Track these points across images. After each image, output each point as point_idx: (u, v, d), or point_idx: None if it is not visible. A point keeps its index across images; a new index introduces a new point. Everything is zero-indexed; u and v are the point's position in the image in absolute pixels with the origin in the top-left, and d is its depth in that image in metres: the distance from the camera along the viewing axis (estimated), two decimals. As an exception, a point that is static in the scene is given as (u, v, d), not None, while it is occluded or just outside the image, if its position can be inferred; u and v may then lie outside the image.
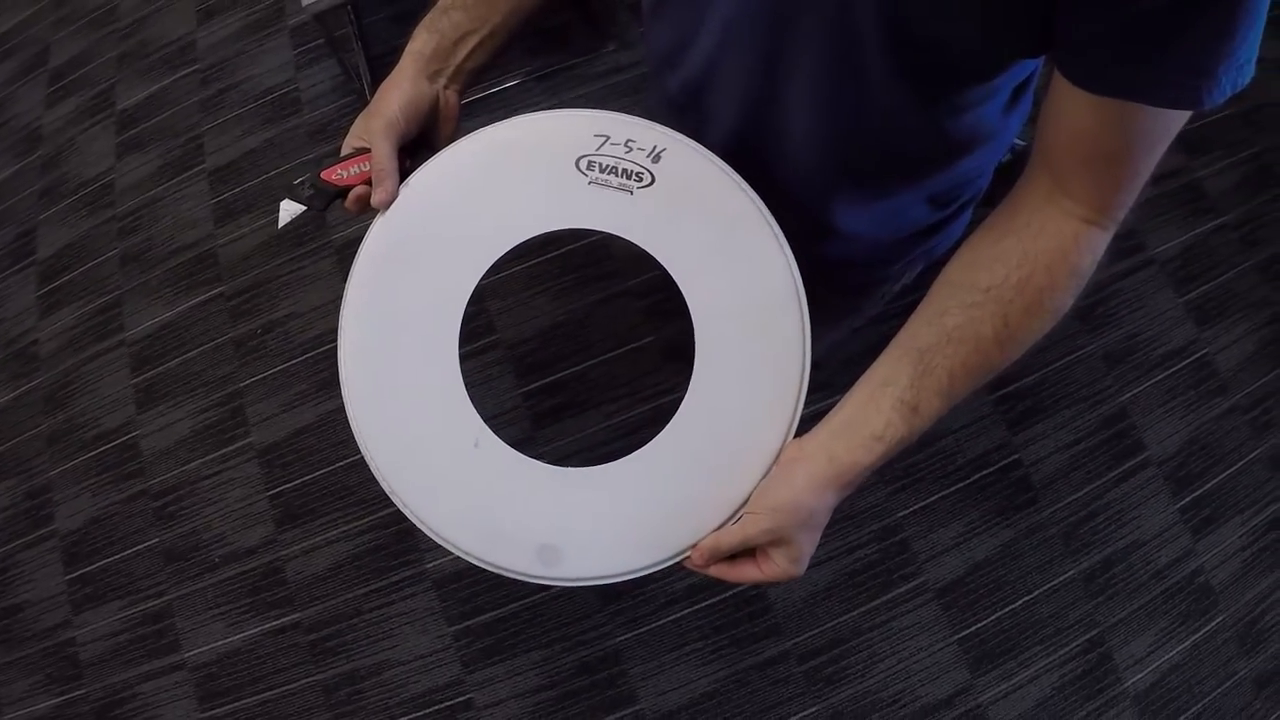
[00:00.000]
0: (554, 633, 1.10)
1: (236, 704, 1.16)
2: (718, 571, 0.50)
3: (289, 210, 0.54)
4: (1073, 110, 0.44)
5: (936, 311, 0.49)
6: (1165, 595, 1.20)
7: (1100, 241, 0.48)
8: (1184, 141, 1.48)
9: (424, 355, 0.52)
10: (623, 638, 1.09)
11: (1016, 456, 1.21)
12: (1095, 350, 1.27)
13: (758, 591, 1.10)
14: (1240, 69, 0.41)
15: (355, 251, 0.60)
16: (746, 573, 0.49)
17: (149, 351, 1.28)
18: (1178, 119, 0.43)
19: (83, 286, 1.35)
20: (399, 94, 0.54)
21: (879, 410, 0.48)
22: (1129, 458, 1.24)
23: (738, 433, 0.51)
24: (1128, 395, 1.26)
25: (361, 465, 1.31)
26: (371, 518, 1.15)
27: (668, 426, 0.52)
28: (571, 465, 0.51)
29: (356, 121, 0.54)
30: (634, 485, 0.51)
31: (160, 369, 1.27)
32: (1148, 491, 1.24)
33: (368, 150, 0.53)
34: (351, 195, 0.53)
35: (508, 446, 0.51)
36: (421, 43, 0.56)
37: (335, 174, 0.52)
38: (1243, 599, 1.21)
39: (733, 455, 0.50)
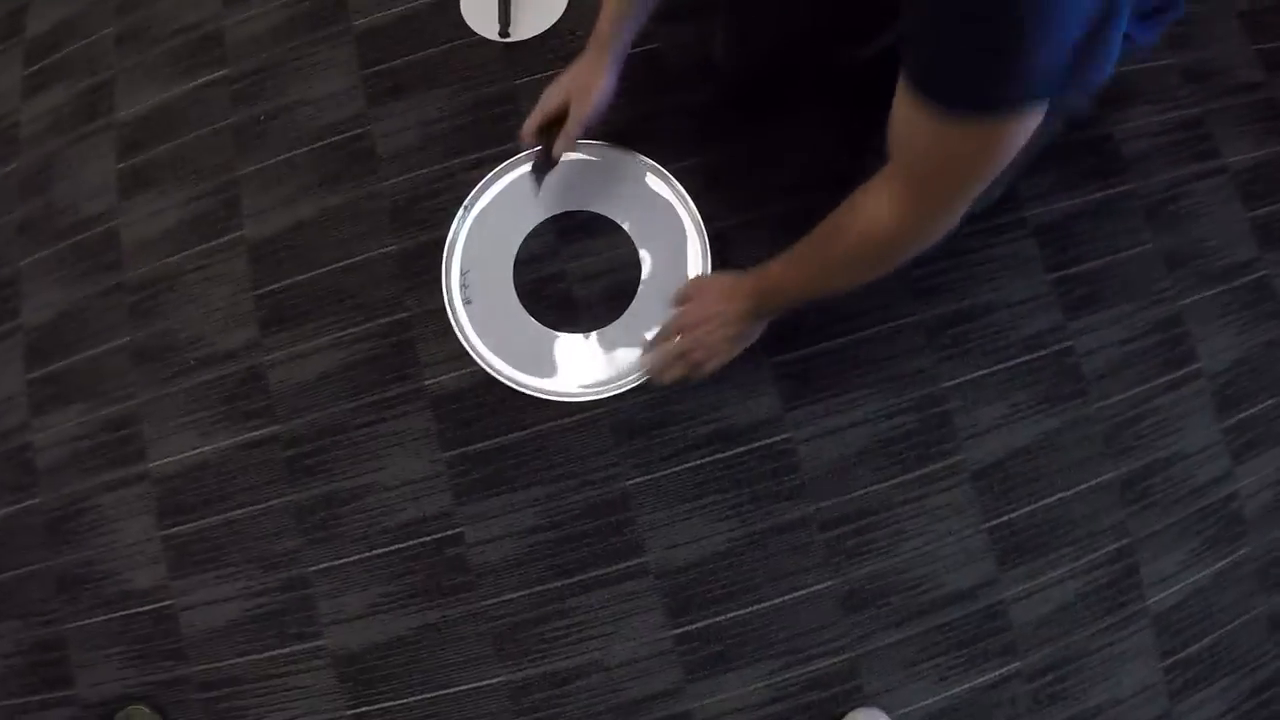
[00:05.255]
0: (560, 468, 0.91)
1: (200, 522, 0.96)
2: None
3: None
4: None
5: None
6: (1199, 515, 1.05)
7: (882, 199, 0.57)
8: (1267, 57, 1.32)
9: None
10: (634, 480, 0.91)
11: (1070, 344, 1.04)
12: (1159, 249, 1.10)
13: (786, 446, 0.92)
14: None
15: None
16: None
17: (139, 135, 1.05)
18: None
19: (73, 65, 1.11)
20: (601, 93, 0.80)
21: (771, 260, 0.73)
22: (1181, 366, 1.07)
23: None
24: (1187, 301, 1.08)
25: (362, 268, 1.09)
26: (369, 324, 0.95)
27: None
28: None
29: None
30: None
31: (150, 154, 1.04)
32: (1195, 404, 1.07)
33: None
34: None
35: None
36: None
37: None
38: (1270, 534, 1.06)
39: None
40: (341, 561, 0.93)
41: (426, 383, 0.93)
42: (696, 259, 0.94)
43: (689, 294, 0.82)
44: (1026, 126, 0.43)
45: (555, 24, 1.02)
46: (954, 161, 0.47)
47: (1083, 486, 1.00)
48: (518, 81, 0.99)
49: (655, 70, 1.00)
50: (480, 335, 0.93)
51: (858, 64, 0.97)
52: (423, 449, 0.92)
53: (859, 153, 0.79)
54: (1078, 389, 1.02)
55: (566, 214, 0.96)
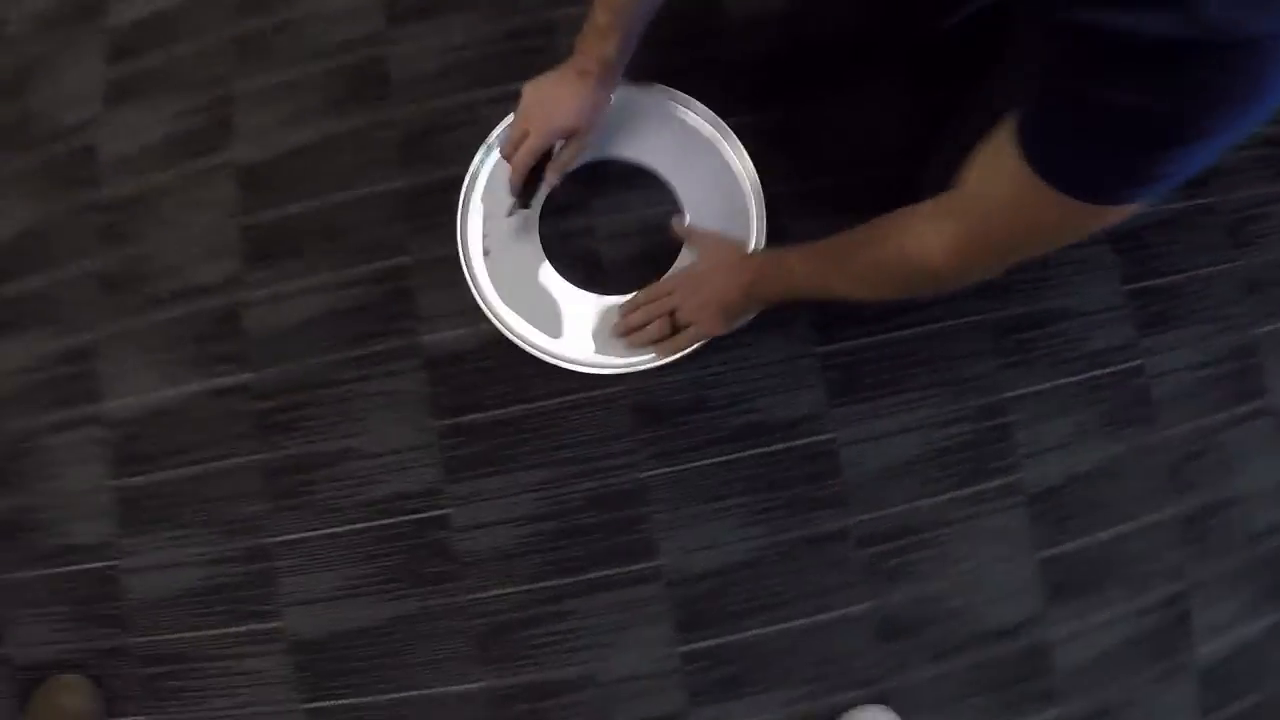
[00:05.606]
0: (568, 451, 0.70)
1: (155, 476, 0.75)
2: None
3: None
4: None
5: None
6: (1257, 564, 0.84)
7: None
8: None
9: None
10: (653, 472, 0.70)
11: (1141, 362, 0.84)
12: (1238, 270, 0.91)
13: (829, 448, 0.71)
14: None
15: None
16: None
17: (132, 41, 0.83)
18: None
19: None
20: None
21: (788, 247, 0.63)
22: (1250, 399, 0.89)
23: None
24: (1262, 330, 0.92)
25: (362, 204, 0.86)
26: (364, 268, 0.74)
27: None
28: None
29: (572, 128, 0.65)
30: None
31: (142, 62, 0.82)
32: (1261, 443, 0.87)
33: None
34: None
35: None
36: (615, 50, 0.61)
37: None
38: (1318, 589, 0.89)
39: None
40: (310, 534, 0.71)
41: (423, 339, 0.72)
42: (751, 227, 0.74)
43: (697, 242, 0.70)
44: (1131, 211, 0.38)
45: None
46: (1035, 229, 0.41)
47: (1143, 521, 0.81)
48: (557, 12, 0.78)
49: (713, 16, 0.79)
50: (496, 290, 0.73)
51: (932, 40, 0.80)
52: (412, 415, 0.71)
53: (924, 137, 0.70)
54: (1145, 413, 0.83)
55: (606, 161, 0.75)
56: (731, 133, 0.75)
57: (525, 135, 0.65)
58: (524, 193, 0.69)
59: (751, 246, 0.73)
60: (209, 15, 0.83)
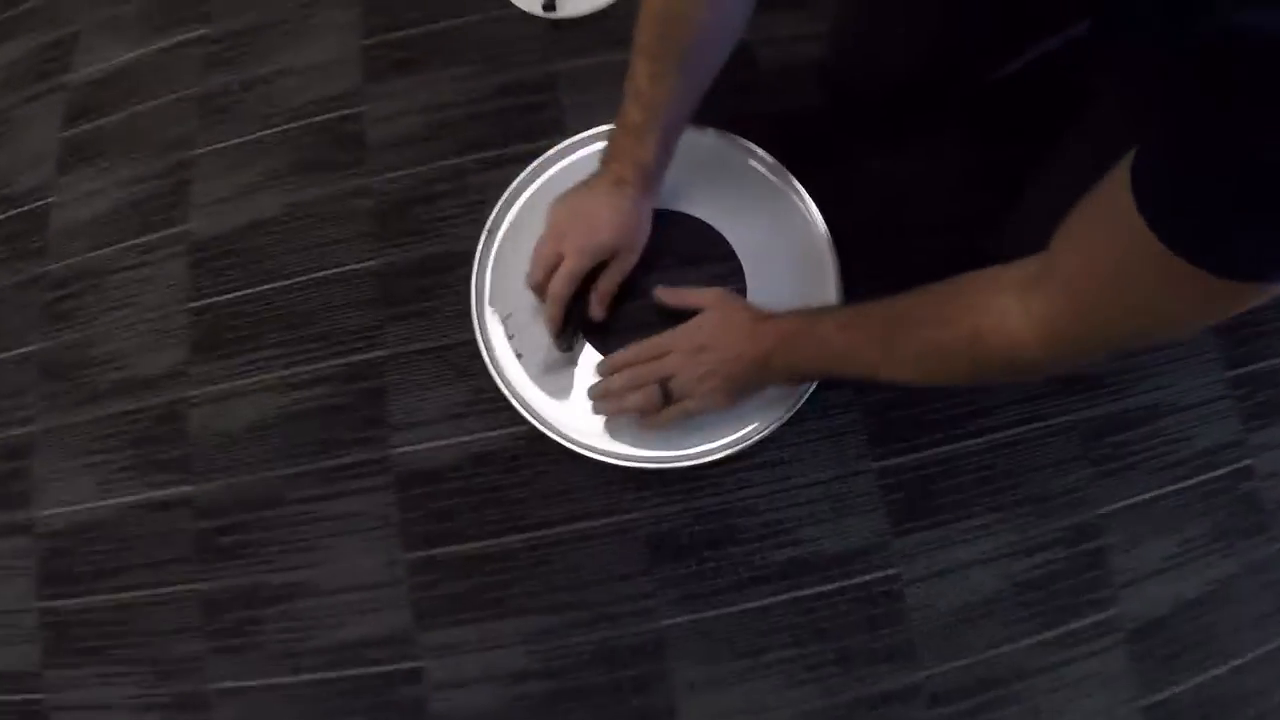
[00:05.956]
0: (568, 593, 0.53)
1: (87, 599, 0.58)
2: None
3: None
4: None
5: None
6: None
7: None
8: None
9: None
10: (673, 621, 0.53)
11: (1250, 462, 0.68)
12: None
13: (891, 587, 0.54)
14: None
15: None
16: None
17: (92, 100, 0.70)
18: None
19: (38, 15, 0.80)
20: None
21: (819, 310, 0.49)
22: None
23: None
24: None
25: (330, 286, 0.70)
26: (330, 362, 0.58)
27: None
28: None
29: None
30: None
31: (100, 122, 0.69)
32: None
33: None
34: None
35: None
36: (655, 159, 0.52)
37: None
38: None
39: None
40: (255, 683, 0.55)
41: (394, 451, 0.56)
42: (829, 284, 0.58)
43: (706, 304, 0.52)
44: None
45: (612, 1, 0.71)
46: (1156, 310, 0.30)
47: (1258, 652, 0.63)
48: (558, 65, 0.64)
49: (744, 67, 0.65)
50: (521, 375, 0.56)
51: (988, 91, 0.67)
52: (379, 544, 0.54)
53: (986, 198, 0.59)
54: (1256, 522, 0.65)
55: (655, 214, 0.59)
56: (791, 175, 0.59)
57: (559, 259, 0.51)
58: (564, 330, 0.54)
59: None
60: (175, 71, 0.69)
